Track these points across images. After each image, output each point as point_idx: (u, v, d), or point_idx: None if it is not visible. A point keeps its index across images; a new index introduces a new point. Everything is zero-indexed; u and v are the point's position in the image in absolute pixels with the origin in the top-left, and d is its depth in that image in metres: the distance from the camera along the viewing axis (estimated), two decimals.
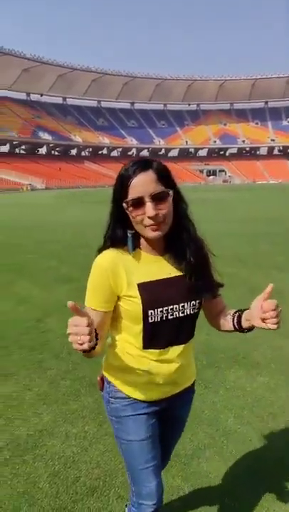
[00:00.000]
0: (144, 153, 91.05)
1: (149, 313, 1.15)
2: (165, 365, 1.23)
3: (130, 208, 1.11)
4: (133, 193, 1.10)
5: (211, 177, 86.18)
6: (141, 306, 1.14)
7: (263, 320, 1.09)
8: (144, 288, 1.14)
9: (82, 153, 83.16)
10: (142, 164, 1.12)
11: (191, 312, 1.22)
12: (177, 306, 1.18)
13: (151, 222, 1.10)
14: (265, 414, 2.53)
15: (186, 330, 1.25)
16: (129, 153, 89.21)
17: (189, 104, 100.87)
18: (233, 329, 1.27)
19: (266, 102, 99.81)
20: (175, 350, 1.23)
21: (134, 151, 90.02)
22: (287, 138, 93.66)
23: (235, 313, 1.25)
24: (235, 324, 1.24)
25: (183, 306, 1.19)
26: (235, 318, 1.24)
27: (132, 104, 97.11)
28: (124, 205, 1.11)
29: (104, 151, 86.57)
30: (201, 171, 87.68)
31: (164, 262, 1.20)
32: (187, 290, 1.19)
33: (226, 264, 6.61)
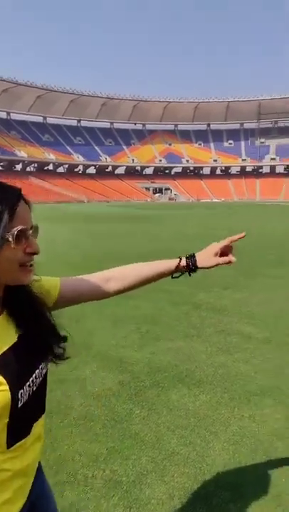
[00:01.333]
0: (91, 170, 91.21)
1: (20, 396, 0.84)
2: (27, 456, 0.91)
3: (13, 242, 0.81)
4: (18, 223, 0.82)
5: (157, 195, 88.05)
6: (9, 392, 0.80)
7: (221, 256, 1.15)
8: (3, 363, 0.82)
9: (28, 169, 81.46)
10: (18, 189, 0.88)
11: (45, 371, 0.96)
12: (38, 370, 0.92)
13: (31, 260, 0.86)
14: (207, 434, 2.54)
15: (43, 395, 0.97)
16: (76, 169, 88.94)
17: (135, 124, 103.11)
18: (164, 274, 1.15)
19: (208, 125, 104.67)
20: (37, 428, 0.94)
21: (80, 167, 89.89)
22: (228, 159, 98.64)
23: (181, 258, 1.17)
24: (184, 265, 1.15)
25: (41, 368, 0.93)
26: (183, 260, 1.16)
27: (79, 121, 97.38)
28: (7, 236, 0.80)
29: (50, 167, 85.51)
30: (148, 189, 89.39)
31: (5, 320, 0.89)
32: (37, 347, 0.92)
33: (168, 282, 6.70)
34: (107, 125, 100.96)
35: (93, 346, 3.92)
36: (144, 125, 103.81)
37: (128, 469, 2.24)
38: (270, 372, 3.37)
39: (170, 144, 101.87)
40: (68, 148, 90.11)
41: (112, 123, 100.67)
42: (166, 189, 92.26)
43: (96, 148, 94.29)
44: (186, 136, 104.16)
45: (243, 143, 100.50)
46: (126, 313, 4.97)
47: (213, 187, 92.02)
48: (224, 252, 1.17)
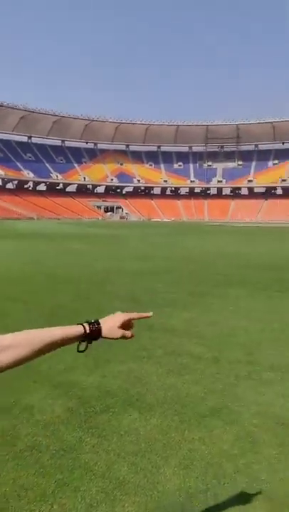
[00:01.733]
0: (42, 186, 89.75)
1: None
2: None
3: None
4: None
5: (109, 213, 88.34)
6: None
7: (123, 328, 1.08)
8: None
9: None
10: None
11: None
12: None
13: None
14: (158, 459, 2.52)
15: None
16: (26, 185, 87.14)
17: (87, 143, 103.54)
18: (59, 343, 1.02)
19: (159, 146, 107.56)
20: None
21: (30, 184, 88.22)
22: (178, 180, 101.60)
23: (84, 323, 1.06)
24: (86, 332, 1.05)
25: None
26: (87, 327, 1.05)
27: (30, 137, 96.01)
28: None
29: None
30: (99, 207, 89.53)
31: None
32: None
33: (120, 303, 6.69)
34: (58, 143, 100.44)
35: (41, 372, 3.78)
36: (95, 144, 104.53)
37: (77, 502, 2.15)
38: (220, 392, 3.43)
39: (122, 164, 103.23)
40: (18, 164, 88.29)
41: (63, 141, 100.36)
42: (118, 208, 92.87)
43: (47, 165, 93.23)
44: (137, 156, 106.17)
45: (191, 165, 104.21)
46: None
47: (164, 207, 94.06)
48: (127, 324, 1.11)
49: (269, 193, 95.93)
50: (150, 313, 1.12)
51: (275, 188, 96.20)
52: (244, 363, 4.09)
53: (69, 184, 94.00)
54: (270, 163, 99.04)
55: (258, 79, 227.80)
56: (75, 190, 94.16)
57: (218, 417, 3.00)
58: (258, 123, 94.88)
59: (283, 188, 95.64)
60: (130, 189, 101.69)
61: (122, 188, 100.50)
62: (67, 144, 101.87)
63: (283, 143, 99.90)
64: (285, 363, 4.11)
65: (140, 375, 3.77)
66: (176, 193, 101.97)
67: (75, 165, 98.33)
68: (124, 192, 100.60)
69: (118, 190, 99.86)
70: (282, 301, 7.07)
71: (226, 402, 3.24)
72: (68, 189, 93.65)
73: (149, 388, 3.51)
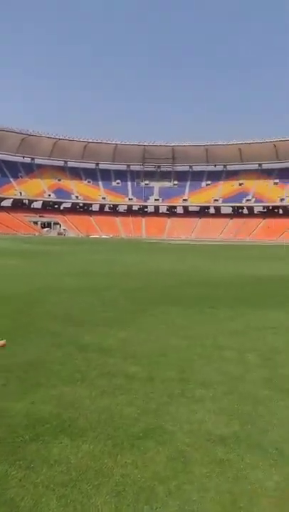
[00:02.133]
0: None
1: None
2: None
3: None
4: None
5: (46, 229, 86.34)
6: None
7: None
8: None
9: None
10: None
11: None
12: None
13: None
14: (89, 488, 2.42)
15: None
16: None
17: (24, 157, 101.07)
18: None
19: (97, 164, 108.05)
20: None
21: None
22: (116, 197, 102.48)
23: None
24: None
25: None
26: None
27: None
28: None
29: None
30: (36, 223, 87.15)
31: None
32: None
33: (54, 322, 6.49)
34: None
35: None
36: (32, 159, 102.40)
37: None
38: (153, 412, 3.42)
39: (59, 180, 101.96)
40: None
41: None
42: (55, 224, 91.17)
43: None
44: (75, 173, 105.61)
45: (129, 183, 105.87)
46: (4, 359, 4.60)
47: (102, 223, 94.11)
48: None
49: (203, 212, 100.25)
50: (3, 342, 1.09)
51: (208, 208, 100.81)
52: (177, 381, 4.13)
53: (4, 199, 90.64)
54: (203, 184, 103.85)
55: (190, 103, 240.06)
56: (10, 205, 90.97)
57: (151, 438, 2.97)
58: (193, 146, 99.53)
59: (215, 208, 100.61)
60: (68, 205, 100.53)
61: (60, 203, 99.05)
62: (3, 157, 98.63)
63: (215, 165, 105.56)
64: (216, 379, 4.22)
65: (73, 399, 3.64)
66: (114, 210, 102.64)
67: (11, 179, 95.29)
68: (62, 208, 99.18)
69: (56, 206, 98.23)
70: (213, 317, 7.31)
71: (160, 422, 3.23)
72: (3, 204, 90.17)
73: (81, 412, 3.40)
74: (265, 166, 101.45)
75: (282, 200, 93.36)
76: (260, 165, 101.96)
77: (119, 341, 5.59)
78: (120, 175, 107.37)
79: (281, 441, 2.96)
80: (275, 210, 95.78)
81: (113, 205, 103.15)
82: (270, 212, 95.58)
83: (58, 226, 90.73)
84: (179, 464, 2.66)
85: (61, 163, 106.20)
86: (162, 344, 5.49)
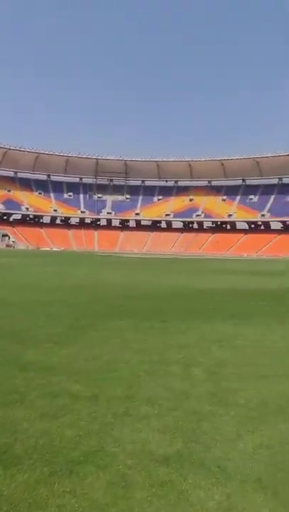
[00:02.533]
0: None
1: None
2: None
3: None
4: None
5: None
6: None
7: None
8: None
9: None
10: None
11: None
12: None
13: None
14: None
15: None
16: None
17: None
18: None
19: (49, 176, 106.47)
20: None
21: None
22: (68, 209, 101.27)
23: None
24: None
25: None
26: None
27: None
28: None
29: None
30: None
31: None
32: None
33: None
34: None
35: None
36: None
37: None
38: (96, 433, 3.28)
39: (9, 191, 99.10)
40: None
41: None
42: (4, 235, 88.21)
43: None
44: (26, 184, 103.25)
45: (82, 196, 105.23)
46: None
47: (53, 236, 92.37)
48: None
49: (154, 226, 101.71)
50: None
51: (160, 222, 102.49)
52: (122, 399, 4.01)
53: None
54: (155, 199, 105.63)
55: (143, 120, 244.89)
56: None
57: (91, 463, 2.83)
58: (145, 161, 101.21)
59: (167, 222, 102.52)
60: (18, 217, 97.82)
61: (10, 215, 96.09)
62: None
63: (167, 181, 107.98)
64: (162, 395, 4.16)
65: (9, 423, 3.40)
66: (66, 223, 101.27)
67: None
68: (11, 219, 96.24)
69: (5, 218, 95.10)
70: (164, 331, 7.29)
71: (102, 444, 3.09)
72: None
73: (18, 437, 3.18)
74: (214, 183, 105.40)
75: (229, 216, 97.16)
76: (209, 182, 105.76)
77: (65, 358, 5.38)
78: (72, 187, 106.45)
79: (223, 457, 2.94)
80: (223, 226, 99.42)
81: (65, 217, 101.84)
82: (219, 227, 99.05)
83: (7, 238, 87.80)
84: (120, 489, 2.54)
85: (11, 174, 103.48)
86: (109, 360, 5.36)
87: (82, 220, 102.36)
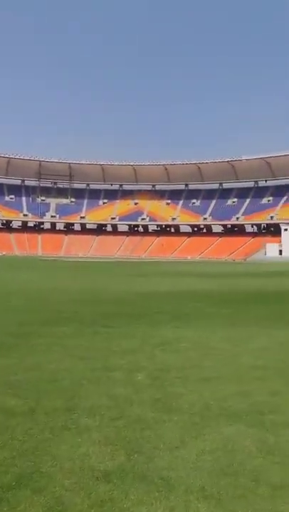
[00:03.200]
0: None
1: None
2: None
3: None
4: None
5: None
6: None
7: None
8: None
9: None
10: None
11: None
12: None
13: None
14: None
15: None
16: None
17: None
18: None
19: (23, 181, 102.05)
20: None
21: None
22: (9, 212, 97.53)
23: None
24: None
25: None
26: None
27: None
28: None
29: None
30: None
31: None
32: None
33: None
34: None
35: None
36: None
37: None
38: (31, 452, 3.03)
39: None
40: None
41: None
42: None
43: None
44: None
45: (24, 199, 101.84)
46: None
47: None
48: None
49: (100, 229, 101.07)
50: None
51: (105, 225, 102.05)
52: (62, 411, 3.79)
53: None
54: (100, 202, 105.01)
55: (88, 122, 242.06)
56: None
57: (26, 486, 2.59)
58: (89, 164, 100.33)
59: (112, 226, 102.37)
60: None
61: None
62: None
63: (112, 184, 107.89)
64: (104, 404, 3.99)
65: None
66: (7, 227, 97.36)
67: None
68: None
69: None
70: (107, 336, 7.12)
71: (38, 464, 2.86)
72: None
73: None
74: (158, 187, 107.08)
75: (173, 219, 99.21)
76: (153, 186, 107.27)
77: (2, 369, 5.02)
78: (14, 190, 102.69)
79: (167, 467, 2.84)
80: (168, 229, 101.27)
81: (6, 220, 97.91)
82: (163, 230, 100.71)
83: None
84: None
85: None
86: (50, 369, 5.09)
87: (24, 223, 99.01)
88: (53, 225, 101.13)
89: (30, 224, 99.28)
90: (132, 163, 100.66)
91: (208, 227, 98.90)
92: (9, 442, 3.18)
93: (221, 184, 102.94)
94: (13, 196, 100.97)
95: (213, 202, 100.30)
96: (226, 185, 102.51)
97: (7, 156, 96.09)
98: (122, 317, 9.16)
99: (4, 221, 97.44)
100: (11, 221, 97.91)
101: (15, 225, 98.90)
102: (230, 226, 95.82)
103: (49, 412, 3.77)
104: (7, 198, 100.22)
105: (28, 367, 5.17)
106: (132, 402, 4.07)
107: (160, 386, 4.60)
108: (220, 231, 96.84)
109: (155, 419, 3.69)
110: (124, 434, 3.36)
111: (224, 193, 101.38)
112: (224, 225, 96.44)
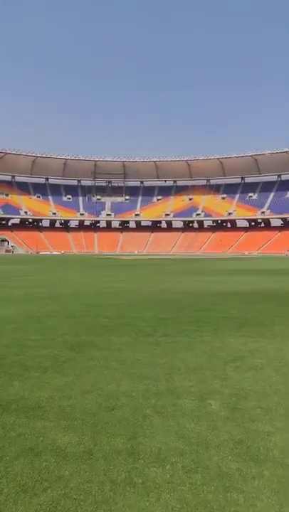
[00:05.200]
0: None
1: None
2: None
3: None
4: None
5: None
6: None
7: None
8: None
9: None
10: None
11: None
12: None
13: None
14: None
15: None
16: None
17: None
18: None
19: (47, 179, 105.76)
20: None
21: None
22: (67, 212, 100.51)
23: None
24: None
25: None
26: None
27: None
28: None
29: None
30: None
31: None
32: None
33: None
34: None
35: None
36: None
37: None
38: None
39: (7, 195, 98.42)
40: None
41: None
42: (3, 240, 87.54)
43: None
44: (24, 188, 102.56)
45: (80, 198, 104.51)
46: None
47: (53, 239, 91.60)
48: None
49: (155, 226, 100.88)
50: None
51: (160, 222, 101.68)
52: (125, 455, 3.13)
53: None
54: (154, 199, 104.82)
55: (137, 122, 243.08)
56: None
57: None
58: (143, 161, 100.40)
59: (167, 222, 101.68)
60: (17, 221, 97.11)
61: (8, 219, 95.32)
62: None
63: (165, 181, 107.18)
64: (173, 445, 3.27)
65: None
66: (65, 226, 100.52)
67: None
68: (10, 224, 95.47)
69: (3, 223, 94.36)
70: (168, 349, 6.38)
71: None
72: None
73: None
74: (212, 182, 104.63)
75: (229, 214, 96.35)
76: (208, 181, 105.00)
77: (54, 391, 4.49)
78: (71, 190, 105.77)
79: None
80: (224, 224, 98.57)
81: (64, 220, 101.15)
82: (219, 226, 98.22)
83: (6, 243, 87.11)
84: None
85: (8, 178, 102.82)
86: (108, 392, 4.47)
87: (81, 222, 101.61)
88: (109, 223, 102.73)
89: (87, 223, 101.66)
90: (185, 159, 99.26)
91: (267, 221, 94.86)
92: (61, 502, 2.56)
93: (279, 176, 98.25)
94: (70, 196, 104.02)
95: (272, 195, 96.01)
96: (284, 177, 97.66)
97: (64, 157, 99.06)
98: (185, 323, 8.39)
99: (62, 221, 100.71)
100: (68, 221, 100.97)
101: (72, 224, 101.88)
102: None
103: (109, 456, 3.12)
104: (64, 199, 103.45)
105: (83, 388, 4.60)
106: (208, 445, 3.31)
107: (240, 420, 3.79)
108: (279, 225, 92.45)
109: (241, 473, 2.90)
110: (205, 497, 2.62)
111: (283, 185, 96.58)
112: (283, 219, 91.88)
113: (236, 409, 4.06)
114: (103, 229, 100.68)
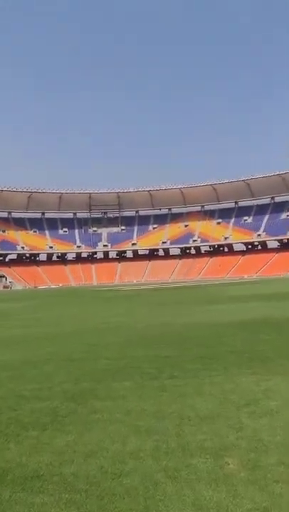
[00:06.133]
0: None
1: None
2: None
3: None
4: None
5: None
6: None
7: None
8: None
9: None
10: None
11: None
12: None
13: None
14: None
15: None
16: None
17: None
18: None
19: (43, 213, 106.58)
20: None
21: None
22: (63, 245, 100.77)
23: None
24: None
25: None
26: None
27: None
28: None
29: None
30: None
31: None
32: None
33: None
34: None
35: None
36: None
37: None
38: None
39: (3, 231, 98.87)
40: None
41: None
42: (1, 277, 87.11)
43: None
44: (20, 223, 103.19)
45: (77, 231, 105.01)
46: None
47: (50, 273, 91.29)
48: None
49: (152, 254, 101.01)
50: None
51: (157, 250, 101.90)
52: None
53: None
54: (150, 228, 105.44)
55: (132, 152, 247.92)
56: None
57: None
58: (137, 191, 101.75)
59: (164, 250, 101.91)
60: (14, 256, 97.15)
61: (5, 255, 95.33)
62: None
63: (160, 209, 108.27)
64: None
65: None
66: (62, 259, 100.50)
67: None
68: (7, 260, 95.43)
69: (0, 259, 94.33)
70: (175, 394, 5.96)
71: None
72: None
73: None
74: (207, 208, 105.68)
75: (226, 238, 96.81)
76: (202, 207, 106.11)
77: (54, 456, 4.07)
78: (67, 223, 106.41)
79: None
80: (221, 249, 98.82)
81: (61, 253, 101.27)
82: (216, 250, 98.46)
83: (4, 279, 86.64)
84: None
85: (5, 214, 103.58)
86: (113, 454, 4.06)
87: (78, 254, 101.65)
88: (106, 253, 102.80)
89: (84, 255, 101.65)
90: (179, 186, 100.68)
91: (263, 244, 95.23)
92: None
93: (272, 198, 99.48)
94: (66, 229, 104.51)
95: (266, 217, 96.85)
96: (277, 199, 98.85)
97: (59, 191, 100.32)
98: (190, 362, 7.97)
99: (59, 254, 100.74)
100: (65, 253, 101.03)
101: (69, 256, 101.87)
102: (286, 241, 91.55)
103: None
104: (61, 232, 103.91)
105: (86, 449, 4.18)
106: None
107: (262, 482, 3.38)
108: (276, 246, 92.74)
109: None
110: None
111: (277, 207, 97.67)
112: (280, 240, 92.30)
113: (257, 467, 3.65)
114: (100, 260, 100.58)
